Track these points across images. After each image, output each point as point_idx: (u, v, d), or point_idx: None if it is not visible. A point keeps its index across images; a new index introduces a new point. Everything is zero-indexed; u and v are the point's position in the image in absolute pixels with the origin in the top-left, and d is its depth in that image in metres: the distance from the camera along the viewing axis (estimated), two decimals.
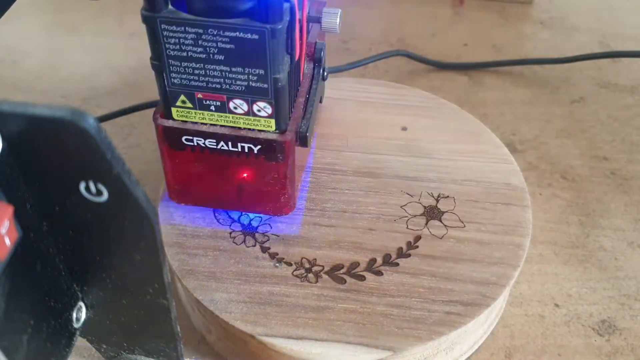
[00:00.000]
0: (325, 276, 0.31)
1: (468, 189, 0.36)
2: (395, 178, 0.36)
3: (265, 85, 0.28)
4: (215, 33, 0.26)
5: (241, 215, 0.34)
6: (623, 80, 0.52)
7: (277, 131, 0.29)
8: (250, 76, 0.27)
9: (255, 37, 0.26)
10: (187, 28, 0.26)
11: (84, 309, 0.25)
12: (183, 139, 0.30)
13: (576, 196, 0.42)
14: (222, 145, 0.30)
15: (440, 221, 0.34)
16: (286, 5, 0.26)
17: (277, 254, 0.32)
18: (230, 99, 0.28)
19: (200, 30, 0.26)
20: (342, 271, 0.32)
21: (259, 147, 0.30)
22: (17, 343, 0.21)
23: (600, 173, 0.44)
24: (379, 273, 0.32)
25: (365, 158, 0.37)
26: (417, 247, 0.33)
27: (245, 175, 0.31)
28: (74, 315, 0.25)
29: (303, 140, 0.31)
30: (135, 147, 0.46)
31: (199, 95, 0.28)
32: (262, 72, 0.27)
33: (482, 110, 0.49)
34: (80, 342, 0.26)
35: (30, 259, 0.21)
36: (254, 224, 0.34)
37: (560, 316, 0.35)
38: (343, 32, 0.57)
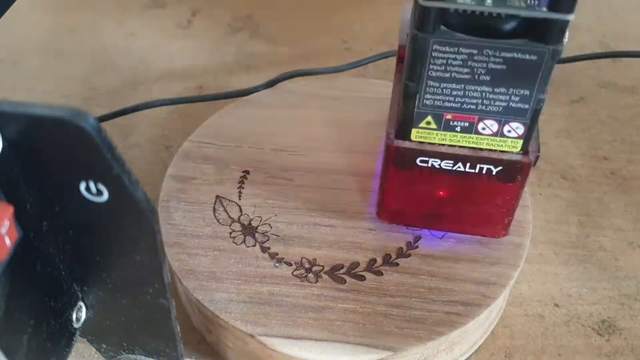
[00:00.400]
0: (325, 276, 0.31)
1: None
2: None
3: (526, 106, 0.27)
4: (490, 54, 0.25)
5: (241, 215, 0.34)
6: (623, 80, 0.52)
7: (521, 152, 0.28)
8: (512, 97, 0.26)
9: (533, 57, 0.25)
10: (460, 49, 0.25)
11: (84, 309, 0.25)
12: (418, 160, 0.29)
13: (576, 196, 0.42)
14: (459, 167, 0.29)
15: None
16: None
17: (277, 254, 0.32)
18: (481, 119, 0.27)
19: (475, 51, 0.25)
20: (342, 271, 0.32)
21: (499, 168, 0.29)
22: (17, 343, 0.21)
23: (600, 173, 0.44)
24: (379, 273, 0.32)
25: (365, 158, 0.37)
26: (417, 247, 0.33)
27: (475, 197, 0.30)
28: (74, 315, 0.25)
29: (536, 161, 0.29)
30: (135, 147, 0.46)
31: (448, 117, 0.28)
32: (526, 92, 0.26)
33: None
34: (80, 342, 0.26)
35: (30, 259, 0.21)
36: (254, 224, 0.34)
37: (560, 316, 0.35)
38: (343, 32, 0.57)
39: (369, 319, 0.30)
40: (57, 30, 0.58)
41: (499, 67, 0.26)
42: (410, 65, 0.26)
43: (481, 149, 0.29)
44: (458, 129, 0.28)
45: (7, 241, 0.19)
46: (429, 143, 0.29)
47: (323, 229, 0.34)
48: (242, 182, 0.36)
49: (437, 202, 0.31)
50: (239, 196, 0.35)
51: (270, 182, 0.36)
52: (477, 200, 0.31)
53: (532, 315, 0.35)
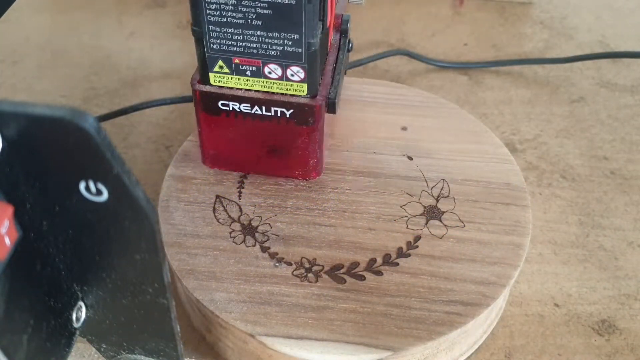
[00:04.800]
0: (325, 276, 0.31)
1: (468, 188, 0.36)
2: (395, 178, 0.36)
3: (300, 50, 0.29)
4: None
5: (241, 214, 0.34)
6: (623, 80, 0.52)
7: (308, 96, 0.31)
8: (285, 41, 0.29)
9: (292, 2, 0.27)
10: None
11: (84, 309, 0.25)
12: (219, 103, 0.32)
13: (576, 196, 0.42)
14: (256, 110, 0.32)
15: (440, 221, 0.34)
16: None
17: (277, 254, 0.32)
18: (265, 63, 0.30)
19: None
20: (342, 271, 0.32)
21: (291, 111, 0.31)
22: (17, 343, 0.21)
23: (600, 173, 0.44)
24: (378, 273, 0.32)
25: (365, 158, 0.37)
26: (417, 247, 0.33)
27: (276, 139, 0.33)
28: (74, 315, 0.25)
29: (331, 107, 0.32)
30: (135, 147, 0.46)
31: (236, 61, 0.30)
32: (297, 36, 0.29)
33: (482, 110, 0.49)
34: (80, 341, 0.26)
35: (30, 259, 0.21)
36: (254, 223, 0.34)
37: (560, 316, 0.35)
38: None
39: (369, 319, 0.30)
40: (57, 30, 0.58)
41: (265, 11, 0.28)
42: (192, 11, 0.29)
43: (273, 93, 0.31)
44: (248, 73, 0.31)
45: (7, 241, 0.19)
46: (227, 87, 0.32)
47: (323, 229, 0.34)
48: (242, 182, 0.36)
49: (249, 146, 0.34)
50: (239, 196, 0.35)
51: (270, 182, 0.36)
52: (281, 144, 0.33)
53: (532, 315, 0.35)
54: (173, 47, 0.56)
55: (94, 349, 0.28)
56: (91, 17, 0.60)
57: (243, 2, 0.28)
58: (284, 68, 0.30)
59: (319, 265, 0.32)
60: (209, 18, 0.29)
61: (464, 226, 0.34)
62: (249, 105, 0.32)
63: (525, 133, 0.47)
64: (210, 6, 0.28)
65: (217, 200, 0.35)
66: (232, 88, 0.32)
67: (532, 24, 0.60)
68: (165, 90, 0.51)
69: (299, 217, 0.34)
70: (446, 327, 0.29)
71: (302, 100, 0.31)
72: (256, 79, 0.31)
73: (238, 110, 0.32)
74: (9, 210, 0.19)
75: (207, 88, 0.32)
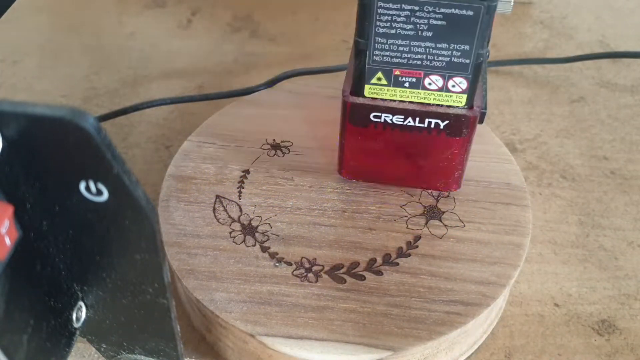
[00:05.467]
0: (325, 276, 0.31)
1: (468, 188, 0.36)
2: None
3: (467, 61, 0.29)
4: (430, 10, 0.27)
5: (241, 214, 0.34)
6: (623, 80, 0.52)
7: (466, 107, 0.31)
8: (454, 52, 0.29)
9: (470, 13, 0.27)
10: (403, 5, 0.27)
11: (84, 309, 0.25)
12: (371, 115, 0.31)
13: (576, 196, 0.42)
14: (409, 122, 0.31)
15: (440, 221, 0.34)
16: None
17: (277, 254, 0.32)
18: (427, 75, 0.30)
19: (416, 7, 0.27)
20: (342, 271, 0.32)
21: (446, 122, 0.31)
22: (17, 343, 0.21)
23: (600, 173, 0.44)
24: (378, 273, 0.32)
25: None
26: (417, 246, 0.33)
27: (426, 151, 0.33)
28: (74, 315, 0.25)
29: (482, 117, 0.32)
30: (135, 147, 0.46)
31: (397, 72, 0.30)
32: (467, 47, 0.28)
33: None
34: (80, 341, 0.26)
35: (30, 259, 0.21)
36: (254, 223, 0.34)
37: (560, 316, 0.35)
38: (344, 32, 0.57)
39: (369, 319, 0.30)
40: (57, 30, 0.58)
41: (439, 22, 0.28)
42: (360, 23, 0.29)
43: (429, 104, 0.31)
44: (407, 84, 0.30)
45: (7, 241, 0.19)
46: (381, 99, 0.31)
47: (323, 229, 0.34)
48: (242, 181, 0.36)
49: (393, 157, 0.33)
50: (239, 196, 0.35)
51: (270, 182, 0.36)
52: (428, 155, 0.33)
53: (532, 315, 0.35)
54: (173, 47, 0.56)
55: (94, 349, 0.28)
56: (91, 17, 0.60)
57: (417, 14, 0.28)
58: (446, 79, 0.30)
59: (319, 265, 0.32)
60: (378, 30, 0.28)
61: (464, 226, 0.34)
62: (402, 116, 0.31)
63: (525, 133, 0.47)
64: (382, 17, 0.28)
65: (217, 200, 0.35)
66: (385, 100, 0.31)
67: (532, 23, 0.60)
68: (165, 90, 0.51)
69: (299, 217, 0.34)
70: (446, 327, 0.29)
71: (460, 112, 0.31)
72: (413, 90, 0.30)
73: (390, 122, 0.31)
74: (9, 210, 0.19)
75: (360, 100, 0.31)
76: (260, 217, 0.34)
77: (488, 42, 0.36)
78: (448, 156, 0.33)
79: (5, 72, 0.53)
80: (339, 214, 0.34)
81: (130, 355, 0.27)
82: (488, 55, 0.37)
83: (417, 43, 0.29)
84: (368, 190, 0.36)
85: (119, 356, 0.27)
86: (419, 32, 0.28)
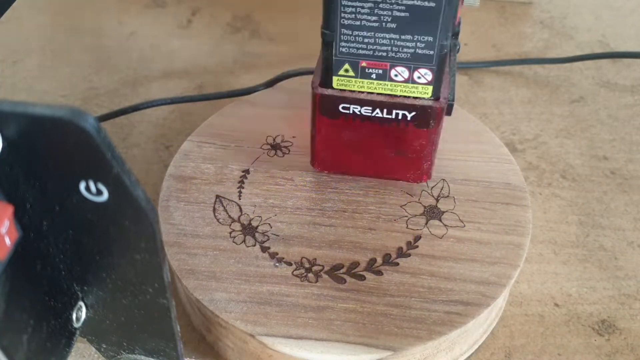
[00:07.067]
0: (325, 276, 0.31)
1: (468, 188, 0.36)
2: None
3: (431, 52, 0.29)
4: (393, 1, 0.28)
5: (241, 214, 0.34)
6: (623, 80, 0.52)
7: (432, 98, 0.31)
8: (418, 43, 0.29)
9: (432, 4, 0.27)
10: None
11: (84, 309, 0.25)
12: (340, 107, 0.32)
13: (576, 196, 0.42)
14: (377, 113, 0.32)
15: (440, 221, 0.34)
16: None
17: (277, 254, 0.32)
18: (393, 66, 0.30)
19: None
20: (342, 271, 0.32)
21: (413, 113, 0.31)
22: (17, 343, 0.21)
23: (600, 173, 0.44)
24: (378, 273, 0.32)
25: None
26: (417, 246, 0.33)
27: (395, 142, 0.33)
28: (74, 315, 0.25)
29: (449, 109, 0.32)
30: (135, 147, 0.46)
31: (363, 64, 0.30)
32: (430, 39, 0.29)
33: (482, 110, 0.49)
34: (80, 341, 0.26)
35: (30, 259, 0.21)
36: (254, 223, 0.34)
37: (560, 316, 0.35)
38: None
39: (369, 319, 0.30)
40: (57, 30, 0.58)
41: (402, 14, 0.28)
42: (325, 14, 0.29)
43: (396, 96, 0.31)
44: (373, 76, 0.30)
45: (7, 241, 0.19)
46: (350, 90, 0.31)
47: (323, 229, 0.34)
48: (242, 181, 0.36)
49: (363, 149, 0.34)
50: (239, 196, 0.35)
51: (270, 182, 0.36)
52: (397, 146, 0.33)
53: (532, 315, 0.35)
54: (173, 47, 0.56)
55: (94, 349, 0.28)
56: (91, 17, 0.60)
57: (380, 5, 0.28)
58: (412, 71, 0.30)
59: (319, 265, 0.32)
60: (343, 21, 0.29)
61: (464, 226, 0.34)
62: (370, 108, 0.32)
63: (525, 133, 0.47)
64: (347, 9, 0.28)
65: (217, 200, 0.35)
66: (354, 91, 0.31)
67: (532, 23, 0.60)
68: (165, 90, 0.51)
69: (299, 217, 0.34)
70: (446, 327, 0.29)
71: (426, 103, 0.31)
72: (380, 82, 0.31)
73: (358, 113, 0.32)
74: (9, 210, 0.19)
75: (329, 91, 0.32)
76: (260, 217, 0.34)
77: (457, 35, 0.36)
78: (417, 147, 0.33)
79: (5, 72, 0.53)
80: (339, 214, 0.34)
81: (130, 355, 0.27)
82: (459, 49, 0.37)
83: (382, 34, 0.29)
84: (368, 190, 0.36)
85: (119, 356, 0.27)
86: (383, 23, 0.29)
